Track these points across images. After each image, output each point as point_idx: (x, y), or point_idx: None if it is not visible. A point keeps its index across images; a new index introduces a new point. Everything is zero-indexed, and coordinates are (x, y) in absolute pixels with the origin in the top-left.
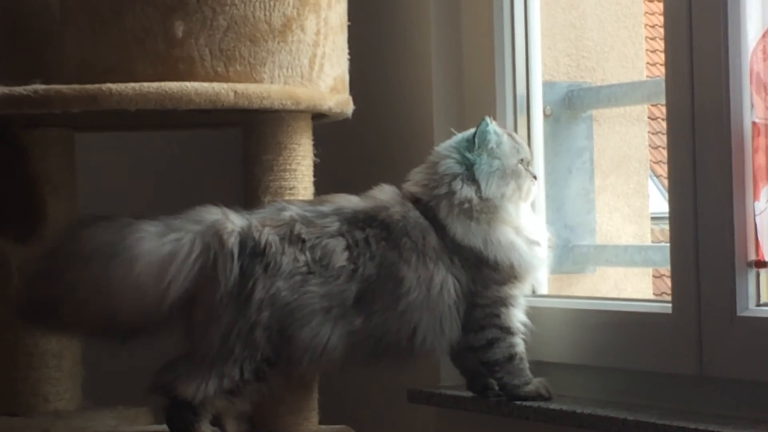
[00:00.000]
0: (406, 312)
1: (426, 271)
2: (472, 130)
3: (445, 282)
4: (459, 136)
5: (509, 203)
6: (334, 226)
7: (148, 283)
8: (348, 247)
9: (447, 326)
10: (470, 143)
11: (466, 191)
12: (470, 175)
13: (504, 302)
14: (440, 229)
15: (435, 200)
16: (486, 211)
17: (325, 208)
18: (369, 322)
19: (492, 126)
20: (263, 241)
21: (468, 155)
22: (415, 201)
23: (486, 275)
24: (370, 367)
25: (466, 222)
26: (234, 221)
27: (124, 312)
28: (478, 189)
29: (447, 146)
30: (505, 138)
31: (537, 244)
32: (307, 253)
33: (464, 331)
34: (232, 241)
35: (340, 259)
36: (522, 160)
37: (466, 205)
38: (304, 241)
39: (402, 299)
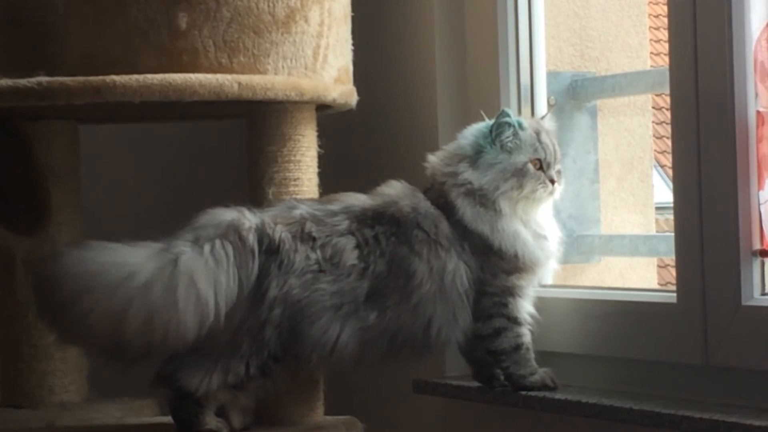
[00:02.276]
0: (420, 305)
1: (438, 260)
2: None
3: (458, 269)
4: (486, 124)
5: (504, 199)
6: (344, 224)
7: (209, 296)
8: (358, 246)
9: (460, 315)
10: (488, 133)
11: (468, 174)
12: (475, 161)
13: (512, 292)
14: (452, 215)
15: (450, 182)
16: (486, 200)
17: (334, 207)
18: (383, 318)
19: (513, 119)
20: (277, 239)
21: (481, 142)
22: (426, 189)
23: (494, 263)
24: (388, 363)
25: (474, 206)
26: (249, 218)
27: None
28: (478, 176)
29: (472, 128)
30: (527, 134)
31: (545, 238)
32: (318, 252)
33: (473, 319)
34: (252, 239)
35: (351, 257)
36: (538, 160)
37: (468, 186)
38: (315, 239)
39: (414, 292)
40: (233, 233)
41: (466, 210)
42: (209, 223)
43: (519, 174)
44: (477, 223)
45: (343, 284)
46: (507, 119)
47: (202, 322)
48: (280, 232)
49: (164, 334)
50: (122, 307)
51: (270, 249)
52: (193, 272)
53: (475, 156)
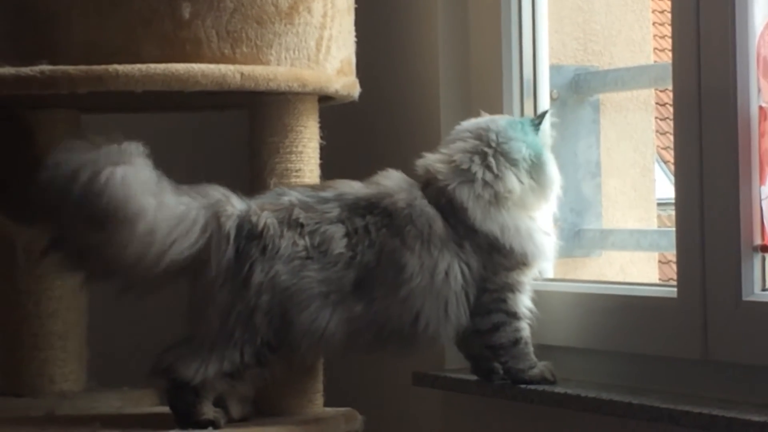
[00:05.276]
0: (408, 298)
1: (430, 258)
2: (518, 118)
3: (451, 268)
4: (508, 120)
5: (552, 195)
6: (335, 212)
7: (159, 233)
8: (347, 234)
9: (453, 312)
10: (535, 129)
11: (514, 183)
12: (535, 163)
13: (511, 288)
14: (453, 215)
15: (458, 182)
16: (521, 198)
17: (327, 194)
18: (369, 308)
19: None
20: (261, 224)
21: (536, 141)
22: (427, 182)
23: (497, 261)
24: (374, 353)
25: (487, 207)
26: (235, 204)
27: (127, 252)
28: (541, 176)
29: (505, 127)
30: (546, 133)
31: (548, 234)
32: (306, 238)
33: (471, 315)
34: (230, 225)
35: (339, 246)
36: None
37: (505, 195)
38: (302, 225)
39: (404, 286)
40: (212, 216)
41: (477, 212)
42: (199, 191)
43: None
44: (487, 224)
45: (330, 272)
46: (548, 123)
47: (142, 248)
48: (266, 218)
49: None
50: None
51: (251, 234)
52: (162, 203)
53: (530, 159)
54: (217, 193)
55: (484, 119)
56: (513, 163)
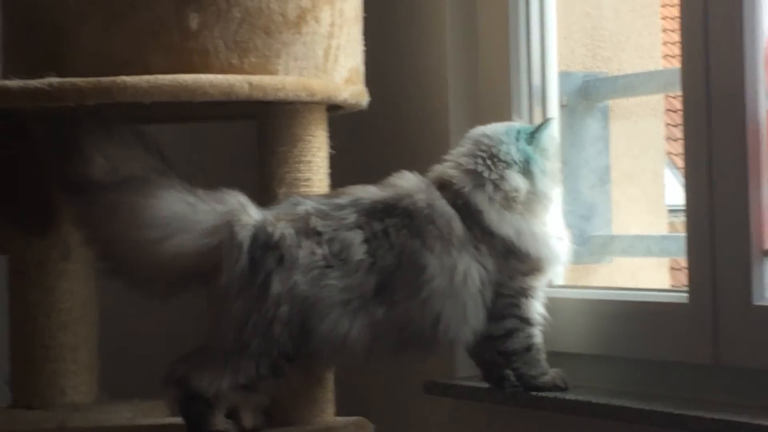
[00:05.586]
0: (429, 299)
1: (450, 258)
2: (524, 125)
3: (469, 270)
4: (508, 126)
5: (549, 204)
6: (352, 218)
7: (161, 231)
8: (366, 240)
9: (471, 315)
10: (530, 138)
11: (518, 181)
12: (525, 169)
13: (525, 293)
14: (470, 217)
15: (473, 185)
16: (526, 204)
17: (342, 200)
18: (391, 311)
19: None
20: (277, 234)
21: (527, 148)
22: (442, 187)
23: (512, 265)
24: (396, 358)
25: (501, 211)
26: (251, 214)
27: (135, 247)
28: (532, 184)
29: (501, 132)
30: (556, 143)
31: (561, 239)
32: (325, 246)
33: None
34: (243, 234)
35: (359, 252)
36: (560, 166)
37: (513, 194)
38: (320, 234)
39: (425, 286)
40: (225, 224)
41: (493, 216)
42: (215, 195)
43: (558, 181)
44: (503, 228)
45: (351, 280)
46: (553, 130)
47: (149, 246)
48: (282, 229)
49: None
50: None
51: (267, 245)
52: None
53: (524, 162)
54: (233, 200)
55: (488, 126)
56: (507, 164)
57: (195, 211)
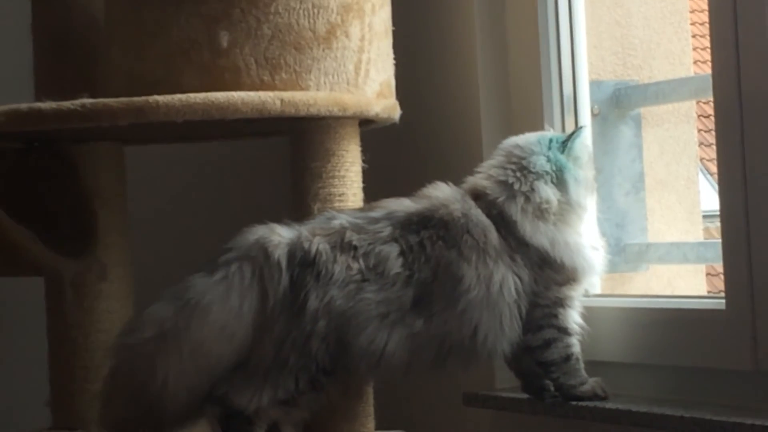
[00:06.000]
0: (467, 310)
1: (486, 269)
2: (556, 134)
3: (505, 281)
4: (540, 136)
5: (584, 213)
6: (387, 231)
7: (231, 318)
8: (402, 253)
9: (507, 325)
10: (562, 146)
11: (550, 192)
12: (558, 178)
13: (562, 303)
14: (504, 227)
15: (506, 196)
16: (560, 214)
17: (376, 214)
18: (429, 324)
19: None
20: (313, 251)
21: (560, 157)
22: (476, 197)
23: (548, 276)
24: (436, 370)
25: (535, 221)
26: (281, 234)
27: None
28: (565, 193)
29: (533, 143)
30: (589, 151)
31: (596, 249)
32: (361, 261)
33: (522, 331)
34: (279, 253)
35: (395, 265)
36: (594, 174)
37: (545, 206)
38: (356, 248)
39: (462, 297)
40: (257, 250)
41: (527, 226)
42: (235, 245)
43: (592, 189)
44: (537, 238)
45: (388, 293)
46: (586, 138)
47: (231, 347)
48: (318, 244)
49: (203, 377)
50: (148, 369)
51: (305, 261)
52: (204, 306)
53: (555, 173)
54: (257, 230)
55: (521, 136)
56: (537, 176)
57: (233, 278)
